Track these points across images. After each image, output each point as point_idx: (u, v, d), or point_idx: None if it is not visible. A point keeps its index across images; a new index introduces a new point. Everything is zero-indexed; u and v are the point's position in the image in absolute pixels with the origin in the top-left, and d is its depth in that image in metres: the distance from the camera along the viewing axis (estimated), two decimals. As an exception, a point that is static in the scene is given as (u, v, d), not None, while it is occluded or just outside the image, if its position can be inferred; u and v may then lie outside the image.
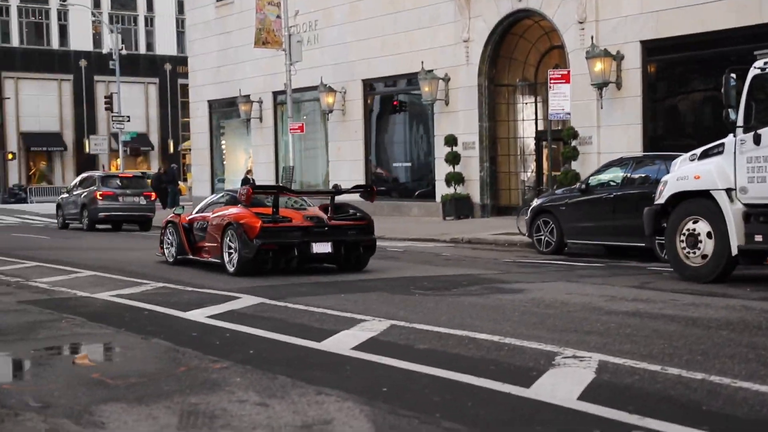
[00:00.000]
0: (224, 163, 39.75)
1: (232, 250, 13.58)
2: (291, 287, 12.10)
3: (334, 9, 32.19)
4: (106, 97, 47.19)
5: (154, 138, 67.71)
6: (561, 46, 25.02)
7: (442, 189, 27.71)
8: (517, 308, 9.89)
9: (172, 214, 16.26)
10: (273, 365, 6.84)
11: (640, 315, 9.27)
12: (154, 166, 65.06)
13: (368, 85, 31.47)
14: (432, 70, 27.71)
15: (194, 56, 40.66)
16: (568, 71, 21.58)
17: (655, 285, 11.96)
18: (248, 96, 35.87)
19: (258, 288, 11.92)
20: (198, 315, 9.55)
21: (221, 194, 16.64)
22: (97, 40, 66.03)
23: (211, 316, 9.42)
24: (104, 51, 66.63)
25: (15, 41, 64.71)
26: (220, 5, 38.21)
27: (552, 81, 20.86)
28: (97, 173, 31.65)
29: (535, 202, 18.10)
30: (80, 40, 65.35)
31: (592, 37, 23.27)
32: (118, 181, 29.04)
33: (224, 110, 38.95)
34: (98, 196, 27.86)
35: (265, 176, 34.91)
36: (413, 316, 9.36)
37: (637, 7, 22.63)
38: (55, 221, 31.06)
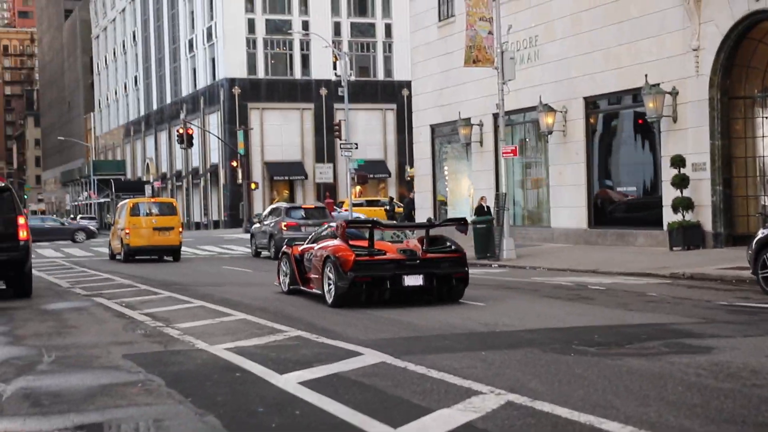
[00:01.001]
0: (447, 189, 38.47)
1: (330, 282, 13.91)
2: (431, 339, 10.41)
3: (556, 22, 30.11)
4: (335, 125, 47.40)
5: (392, 165, 67.92)
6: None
7: (669, 216, 24.84)
8: (684, 379, 7.63)
9: (286, 246, 17.16)
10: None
11: None
12: (391, 193, 65.29)
13: (590, 103, 29.07)
14: (658, 84, 25.00)
15: (417, 80, 39.82)
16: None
17: None
18: (468, 119, 34.42)
19: (393, 341, 10.32)
20: (292, 379, 8.07)
21: (326, 227, 17.07)
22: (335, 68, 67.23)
23: (305, 382, 7.91)
24: (344, 79, 68.26)
25: (261, 73, 67.18)
26: (442, 25, 37.09)
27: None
28: (283, 204, 33.81)
29: (761, 233, 15.22)
30: (321, 68, 66.79)
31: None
32: (302, 213, 30.89)
33: (446, 135, 37.72)
34: (283, 227, 29.37)
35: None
36: (544, 387, 7.40)
37: None
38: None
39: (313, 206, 33.90)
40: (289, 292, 16.14)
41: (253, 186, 59.93)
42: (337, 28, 68.96)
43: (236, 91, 65.69)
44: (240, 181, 60.19)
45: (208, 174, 70.61)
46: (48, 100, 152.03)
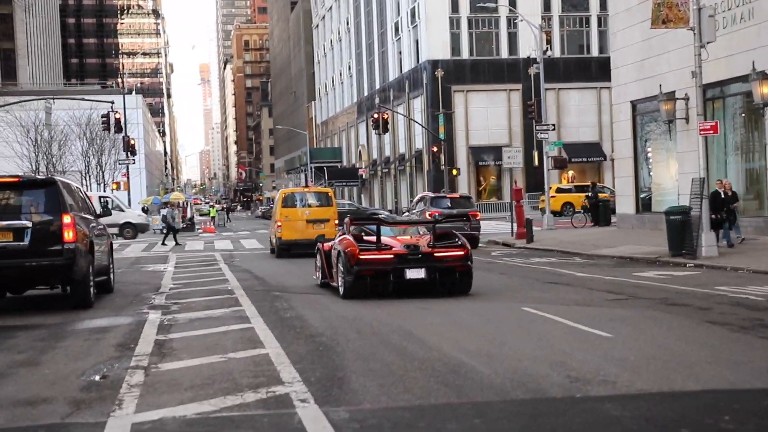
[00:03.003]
0: (651, 174, 33.64)
1: (342, 276, 14.69)
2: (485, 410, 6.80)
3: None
4: (529, 104, 43.33)
5: (607, 147, 62.62)
6: None
7: None
8: None
9: (318, 242, 18.02)
10: None
11: None
12: (608, 179, 60.20)
13: (817, 68, 23.71)
14: None
15: (616, 51, 35.13)
16: None
17: None
18: (672, 93, 29.55)
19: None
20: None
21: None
22: (547, 43, 62.70)
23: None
24: (556, 56, 63.74)
25: (465, 53, 63.91)
26: (644, -13, 32.30)
27: None
28: (429, 194, 32.58)
29: None
30: (529, 47, 62.46)
31: None
32: (448, 202, 29.90)
33: (649, 112, 32.86)
34: (427, 217, 27.22)
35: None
36: None
37: None
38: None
39: (458, 195, 32.35)
40: (321, 286, 16.75)
41: (454, 172, 56.83)
42: (546, 3, 64.42)
43: (439, 73, 62.73)
44: (442, 167, 57.27)
45: (413, 159, 68.24)
46: (278, 91, 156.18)
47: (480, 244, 32.31)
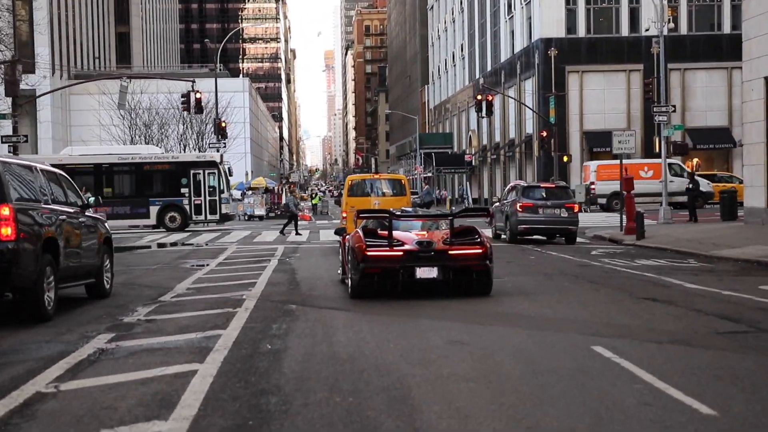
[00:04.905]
0: (786, 162, 28.85)
1: (350, 273, 13.63)
2: None
3: None
4: (646, 82, 38.76)
5: (738, 133, 56.90)
6: None
7: None
8: None
9: (341, 235, 16.31)
10: None
11: None
12: (737, 168, 54.66)
13: None
14: None
15: (749, 19, 30.34)
16: None
17: None
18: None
19: None
20: None
21: None
22: (672, 22, 57.42)
23: None
24: (682, 33, 58.52)
25: (581, 31, 59.23)
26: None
27: None
28: (521, 183, 29.92)
29: None
30: (648, 19, 57.38)
31: None
32: (542, 192, 27.30)
33: (786, 89, 28.12)
34: (518, 208, 26.70)
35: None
36: None
37: None
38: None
39: (554, 185, 29.02)
40: (341, 282, 15.41)
41: (565, 159, 52.43)
42: (673, -24, 59.14)
43: (552, 52, 58.20)
44: (553, 153, 53.01)
45: (523, 145, 63.96)
46: (394, 75, 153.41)
47: (581, 239, 28.44)
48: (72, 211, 13.18)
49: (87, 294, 14.24)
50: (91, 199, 14.21)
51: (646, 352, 8.79)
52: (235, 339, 9.81)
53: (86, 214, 13.79)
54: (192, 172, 39.27)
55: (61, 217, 12.42)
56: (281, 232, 33.91)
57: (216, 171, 39.38)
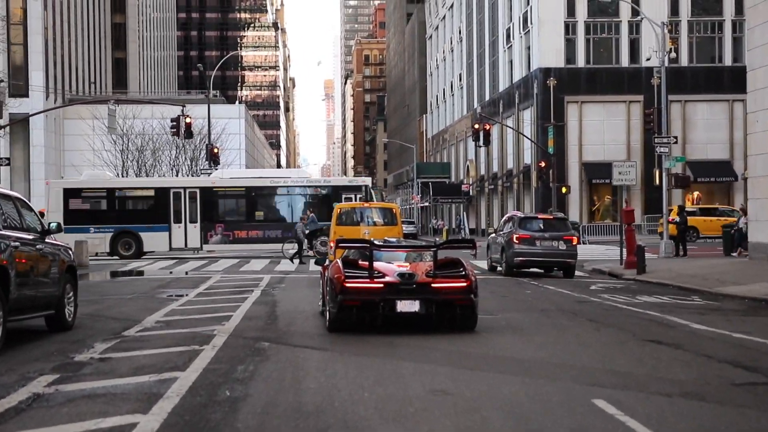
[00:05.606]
0: (793, 195, 27.88)
1: (329, 305, 13.04)
2: None
3: None
4: (647, 113, 37.87)
5: (739, 167, 56.07)
6: None
7: None
8: None
9: (322, 265, 15.22)
10: None
11: None
12: (737, 201, 53.72)
13: None
14: None
15: (753, 49, 29.48)
16: None
17: None
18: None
19: None
20: None
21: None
22: (674, 52, 56.72)
23: None
24: (683, 65, 57.86)
25: (581, 61, 58.52)
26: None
27: None
28: (518, 214, 28.89)
29: None
30: (649, 48, 56.70)
31: None
32: (540, 224, 26.47)
33: (793, 120, 27.19)
34: (515, 240, 25.83)
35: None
36: None
37: None
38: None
39: (552, 217, 28.15)
40: (321, 314, 14.65)
41: (563, 190, 51.44)
42: (674, 6, 58.45)
43: (551, 82, 57.45)
44: (551, 184, 52.04)
45: (521, 175, 63.03)
46: (393, 105, 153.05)
47: (580, 273, 27.41)
48: (29, 237, 12.16)
49: (47, 326, 13.18)
50: (53, 225, 13.14)
51: (655, 407, 7.73)
52: (192, 384, 8.74)
53: (46, 240, 12.77)
54: (344, 196, 38.57)
55: (14, 243, 11.38)
56: (300, 261, 32.78)
57: (366, 196, 38.68)
